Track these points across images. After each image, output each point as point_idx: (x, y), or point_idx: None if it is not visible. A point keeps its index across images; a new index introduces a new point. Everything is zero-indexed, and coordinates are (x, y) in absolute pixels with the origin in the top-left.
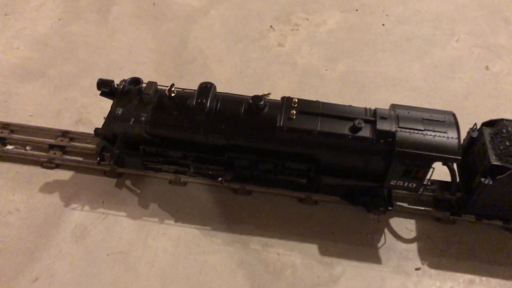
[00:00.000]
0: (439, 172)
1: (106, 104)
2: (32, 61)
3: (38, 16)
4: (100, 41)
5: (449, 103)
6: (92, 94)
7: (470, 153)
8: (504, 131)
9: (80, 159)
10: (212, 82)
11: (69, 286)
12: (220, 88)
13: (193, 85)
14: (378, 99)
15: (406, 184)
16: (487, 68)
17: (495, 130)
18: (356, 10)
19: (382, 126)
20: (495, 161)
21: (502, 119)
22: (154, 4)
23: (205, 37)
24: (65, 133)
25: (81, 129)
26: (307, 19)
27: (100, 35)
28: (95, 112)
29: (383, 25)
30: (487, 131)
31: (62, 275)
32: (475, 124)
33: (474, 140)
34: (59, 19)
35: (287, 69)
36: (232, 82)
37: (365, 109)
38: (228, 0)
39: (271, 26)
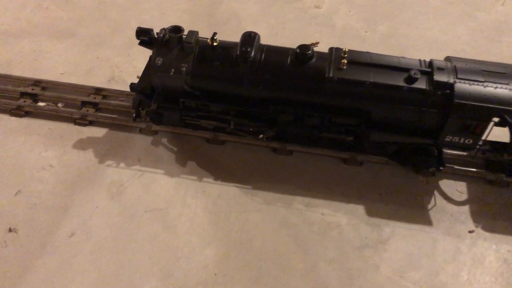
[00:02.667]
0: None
1: (140, 63)
2: (62, 21)
3: None
4: (130, 2)
5: None
6: (124, 53)
7: None
8: None
9: (114, 116)
10: None
11: (107, 241)
12: None
13: None
14: None
15: (462, 140)
16: None
17: None
18: None
19: (440, 77)
20: None
21: None
22: None
23: None
24: (97, 90)
25: (114, 87)
26: None
27: None
28: (128, 71)
29: None
30: None
31: (99, 231)
32: None
33: None
34: None
35: (325, 31)
36: (269, 43)
37: (419, 60)
38: None
39: None
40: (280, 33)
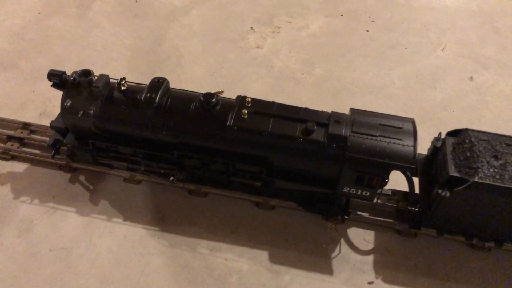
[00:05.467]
0: (404, 182)
1: None
2: (6, 53)
3: (19, 9)
4: (77, 35)
5: (426, 112)
6: None
7: (433, 163)
8: (466, 141)
9: (37, 152)
10: (184, 81)
11: (6, 279)
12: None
13: None
14: (352, 106)
15: (359, 192)
16: (471, 78)
17: (458, 140)
18: (342, 15)
19: (335, 129)
20: (453, 172)
21: (467, 129)
22: (136, 1)
23: (183, 36)
24: (25, 125)
25: (43, 122)
26: (289, 22)
27: (78, 30)
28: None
29: (367, 31)
30: (450, 141)
31: (0, 268)
32: (440, 133)
33: (438, 150)
34: (39, 13)
35: (262, 72)
36: (204, 82)
37: (322, 112)
38: (212, 0)
39: (251, 28)
40: (218, 72)
